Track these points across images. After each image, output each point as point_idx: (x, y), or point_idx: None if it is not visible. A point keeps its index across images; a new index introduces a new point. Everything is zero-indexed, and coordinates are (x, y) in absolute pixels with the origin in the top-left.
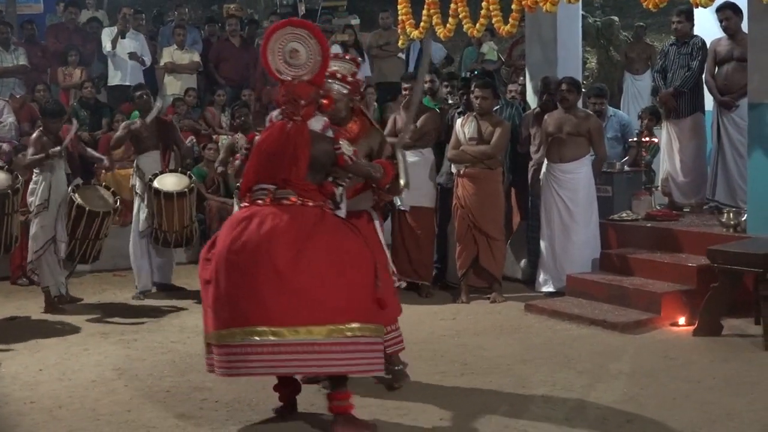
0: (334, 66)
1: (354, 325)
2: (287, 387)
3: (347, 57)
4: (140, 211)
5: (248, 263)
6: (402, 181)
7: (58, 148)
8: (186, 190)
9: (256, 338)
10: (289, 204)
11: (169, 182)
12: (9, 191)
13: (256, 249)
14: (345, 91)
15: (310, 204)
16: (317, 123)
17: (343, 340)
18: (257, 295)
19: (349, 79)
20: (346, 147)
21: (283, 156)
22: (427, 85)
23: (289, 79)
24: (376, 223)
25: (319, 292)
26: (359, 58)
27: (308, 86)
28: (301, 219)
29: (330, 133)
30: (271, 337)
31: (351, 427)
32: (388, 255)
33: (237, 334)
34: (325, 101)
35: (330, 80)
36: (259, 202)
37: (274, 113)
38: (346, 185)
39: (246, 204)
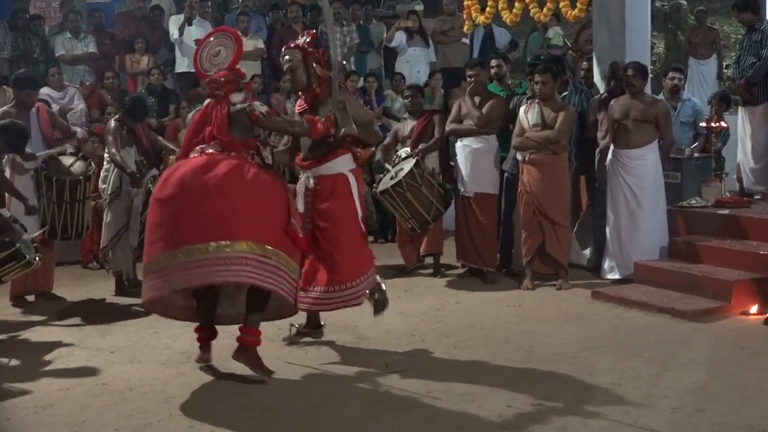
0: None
1: (269, 247)
2: (206, 330)
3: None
4: None
5: (168, 198)
6: (342, 131)
7: (135, 175)
8: None
9: (179, 257)
10: (212, 153)
11: None
12: (82, 178)
13: (174, 185)
14: (299, 57)
15: (233, 155)
16: (237, 96)
17: (250, 255)
18: (173, 224)
19: (301, 44)
20: (258, 106)
21: (210, 119)
22: (494, 71)
23: (212, 73)
24: (353, 185)
25: (229, 213)
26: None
27: (223, 71)
28: (218, 162)
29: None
30: (181, 257)
31: (249, 361)
32: (359, 213)
33: (159, 260)
34: (246, 82)
35: (285, 52)
36: (192, 155)
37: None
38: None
39: None
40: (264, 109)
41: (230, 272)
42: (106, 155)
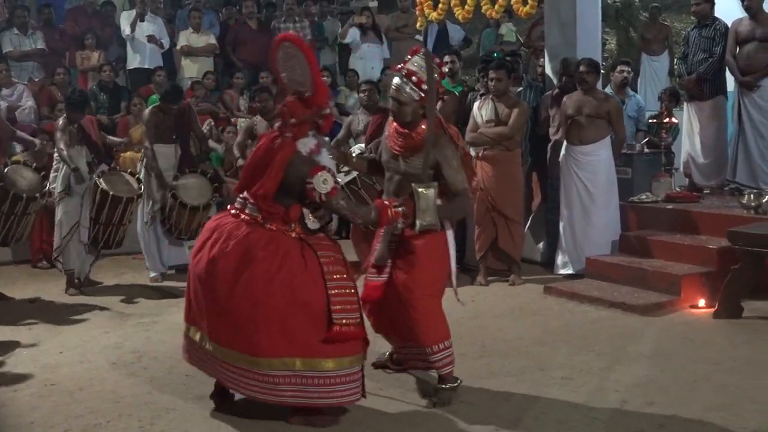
0: (412, 66)
1: (275, 360)
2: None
3: (435, 61)
4: (145, 201)
5: (199, 276)
6: (420, 222)
7: (84, 171)
8: (210, 201)
9: (197, 338)
10: (249, 221)
11: (192, 187)
12: (37, 195)
13: (205, 266)
14: (416, 98)
15: (268, 226)
16: (305, 146)
17: (260, 371)
18: (202, 306)
19: (424, 87)
20: (320, 183)
21: (261, 169)
22: (447, 67)
23: (290, 93)
24: (449, 238)
25: (243, 320)
26: (445, 69)
27: (301, 105)
28: (252, 241)
29: (320, 159)
30: (207, 346)
31: (306, 420)
32: (453, 268)
33: (191, 329)
34: (323, 123)
35: (405, 81)
36: (232, 210)
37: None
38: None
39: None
40: (327, 188)
41: (257, 387)
42: (55, 153)
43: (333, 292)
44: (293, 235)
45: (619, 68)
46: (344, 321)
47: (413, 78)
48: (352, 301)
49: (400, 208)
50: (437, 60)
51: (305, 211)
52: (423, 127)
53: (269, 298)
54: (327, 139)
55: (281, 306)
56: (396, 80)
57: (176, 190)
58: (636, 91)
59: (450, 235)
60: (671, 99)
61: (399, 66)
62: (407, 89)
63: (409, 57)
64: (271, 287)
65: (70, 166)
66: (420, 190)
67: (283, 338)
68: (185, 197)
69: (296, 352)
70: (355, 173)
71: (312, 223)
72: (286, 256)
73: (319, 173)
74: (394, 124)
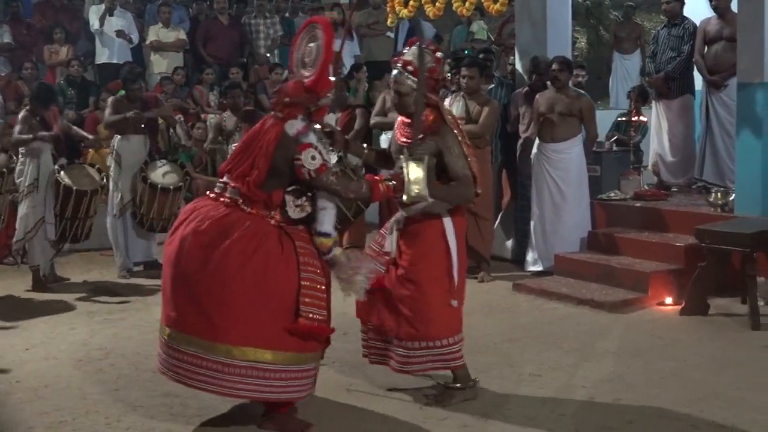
0: (408, 57)
1: (234, 349)
2: None
3: (431, 47)
4: (114, 195)
5: (169, 257)
6: (407, 194)
7: (48, 133)
8: (181, 184)
9: (164, 336)
10: (229, 204)
11: (161, 173)
12: (4, 170)
13: (176, 245)
14: (415, 86)
15: (248, 210)
16: (292, 127)
17: (215, 358)
18: (167, 294)
19: (423, 69)
20: (308, 160)
21: (249, 152)
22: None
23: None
24: (447, 227)
25: (209, 301)
26: (439, 54)
27: (300, 86)
28: (229, 221)
29: (305, 139)
30: (165, 337)
31: (276, 425)
32: (454, 261)
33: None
34: (316, 111)
35: (402, 71)
36: (211, 194)
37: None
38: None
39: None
40: (316, 164)
41: (207, 378)
42: (21, 148)
43: (305, 283)
44: (272, 222)
45: (575, 72)
46: (311, 315)
47: (409, 68)
48: (322, 297)
49: (391, 183)
50: (432, 47)
51: (287, 198)
52: (427, 116)
53: (240, 279)
54: (319, 126)
55: (251, 290)
56: (394, 72)
57: (146, 172)
58: (608, 89)
59: (448, 223)
60: (639, 98)
61: (395, 58)
62: (405, 80)
63: (407, 49)
64: (243, 269)
65: (26, 139)
66: (409, 162)
67: (247, 325)
68: (155, 178)
69: (258, 342)
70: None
71: (293, 211)
72: (264, 239)
73: (307, 149)
74: (401, 116)
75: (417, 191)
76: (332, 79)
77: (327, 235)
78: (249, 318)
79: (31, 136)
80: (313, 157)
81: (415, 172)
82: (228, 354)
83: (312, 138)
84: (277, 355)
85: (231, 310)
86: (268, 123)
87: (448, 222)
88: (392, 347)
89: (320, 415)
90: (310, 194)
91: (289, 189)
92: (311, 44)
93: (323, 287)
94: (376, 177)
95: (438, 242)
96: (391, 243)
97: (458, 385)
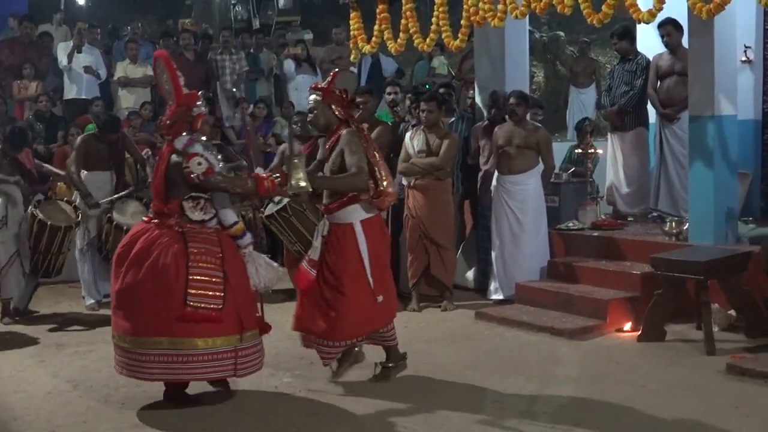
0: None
1: (146, 339)
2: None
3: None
4: (83, 229)
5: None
6: (289, 186)
7: (13, 178)
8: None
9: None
10: (149, 221)
11: (130, 212)
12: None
13: (113, 266)
14: (318, 98)
15: (157, 222)
16: (179, 142)
17: (136, 350)
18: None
19: (321, 85)
20: (195, 166)
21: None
22: (390, 97)
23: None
24: (358, 231)
25: (126, 305)
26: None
27: (171, 108)
28: (136, 235)
29: (192, 149)
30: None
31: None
32: (367, 267)
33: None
34: (194, 120)
35: (311, 92)
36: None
37: None
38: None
39: None
40: (202, 168)
41: (133, 367)
42: None
43: (194, 277)
44: (176, 228)
45: (533, 111)
46: (200, 305)
47: (318, 92)
48: (216, 289)
49: (276, 178)
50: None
51: (186, 205)
52: (340, 131)
53: (141, 282)
54: (205, 140)
55: (150, 289)
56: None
57: (111, 213)
58: (565, 121)
59: (359, 228)
60: (582, 131)
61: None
62: (312, 96)
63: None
64: (140, 272)
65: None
66: (290, 160)
67: (152, 318)
68: (120, 220)
69: (163, 331)
70: (285, 201)
71: (193, 215)
72: (159, 245)
73: (194, 158)
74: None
75: (296, 183)
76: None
77: (234, 224)
78: (151, 312)
79: (13, 179)
80: (199, 163)
81: (295, 167)
82: (142, 345)
83: (198, 148)
84: (180, 341)
85: (137, 309)
86: (164, 148)
87: (358, 227)
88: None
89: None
90: (207, 197)
91: (187, 197)
92: (164, 75)
93: (217, 280)
94: (262, 174)
95: (352, 247)
96: (315, 251)
97: (391, 364)
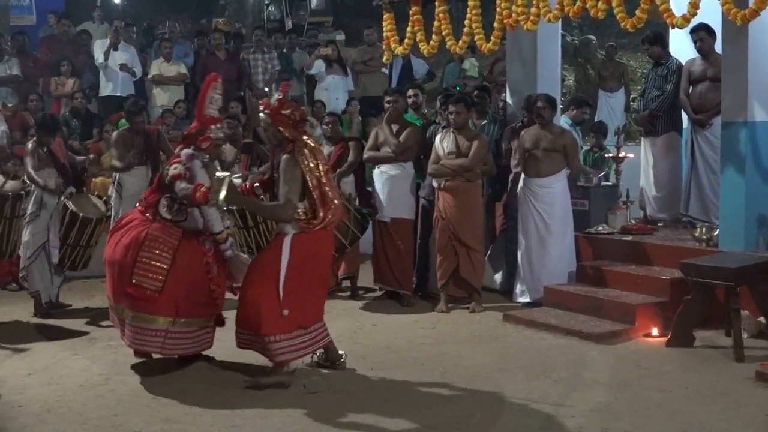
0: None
1: (120, 307)
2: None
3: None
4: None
5: None
6: (211, 199)
7: (52, 188)
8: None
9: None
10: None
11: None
12: (23, 193)
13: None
14: (266, 118)
15: (138, 210)
16: (184, 152)
17: (125, 318)
18: None
19: (271, 104)
20: (170, 168)
21: None
22: (410, 100)
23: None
24: (285, 243)
25: (111, 277)
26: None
27: (191, 126)
28: (122, 221)
29: (189, 162)
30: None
31: None
32: (281, 278)
33: None
34: (200, 140)
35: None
36: None
37: None
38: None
39: None
40: (171, 173)
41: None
42: (24, 176)
43: (141, 259)
44: (149, 217)
45: (582, 109)
46: (143, 284)
47: (266, 110)
48: (159, 273)
49: (205, 189)
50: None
51: (162, 201)
52: (287, 151)
53: (115, 258)
54: (208, 159)
55: (120, 264)
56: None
57: None
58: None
59: (287, 240)
60: (599, 133)
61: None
62: (261, 115)
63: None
64: (115, 249)
65: (40, 184)
66: (216, 174)
67: (118, 290)
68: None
69: (123, 301)
70: None
71: (163, 212)
72: (129, 227)
73: (175, 163)
74: None
75: (214, 199)
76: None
77: (219, 232)
78: (117, 284)
79: (41, 181)
80: (175, 167)
81: (219, 184)
82: (121, 312)
83: (195, 163)
84: (129, 312)
85: (112, 280)
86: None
87: (287, 240)
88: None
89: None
90: (181, 202)
91: (166, 195)
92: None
93: (162, 266)
94: (200, 185)
95: (275, 254)
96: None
97: (263, 380)
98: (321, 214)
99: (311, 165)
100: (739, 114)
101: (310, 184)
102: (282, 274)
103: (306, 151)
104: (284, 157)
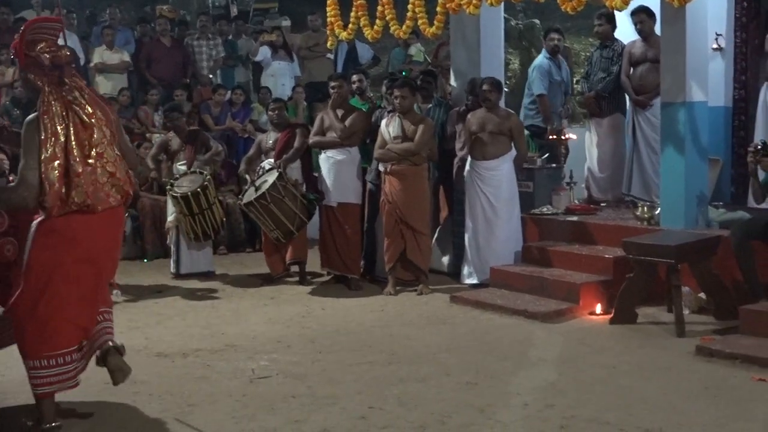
0: None
1: None
2: None
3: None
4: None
5: None
6: None
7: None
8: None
9: None
10: None
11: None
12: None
13: None
14: (18, 66)
15: None
16: None
17: None
18: None
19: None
20: None
21: None
22: (355, 85)
23: None
24: (30, 235)
25: None
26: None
27: None
28: None
29: None
30: None
31: None
32: (23, 266)
33: None
34: None
35: None
36: None
37: None
38: None
39: None
40: None
41: None
42: None
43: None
44: None
45: (550, 35)
46: None
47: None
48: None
49: None
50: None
51: None
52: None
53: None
54: None
55: None
56: None
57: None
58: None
59: (33, 226)
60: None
61: None
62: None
63: None
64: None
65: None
66: None
67: None
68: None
69: None
70: (264, 188)
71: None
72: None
73: None
74: None
75: None
76: None
77: None
78: None
79: None
80: None
81: None
82: None
83: None
84: None
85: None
86: None
87: (34, 226)
88: None
89: (263, 423)
90: None
91: None
92: None
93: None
94: None
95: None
96: None
97: (33, 423)
98: (47, 203)
99: (57, 128)
100: (678, 95)
101: (43, 155)
102: (24, 262)
103: (56, 107)
104: (27, 119)
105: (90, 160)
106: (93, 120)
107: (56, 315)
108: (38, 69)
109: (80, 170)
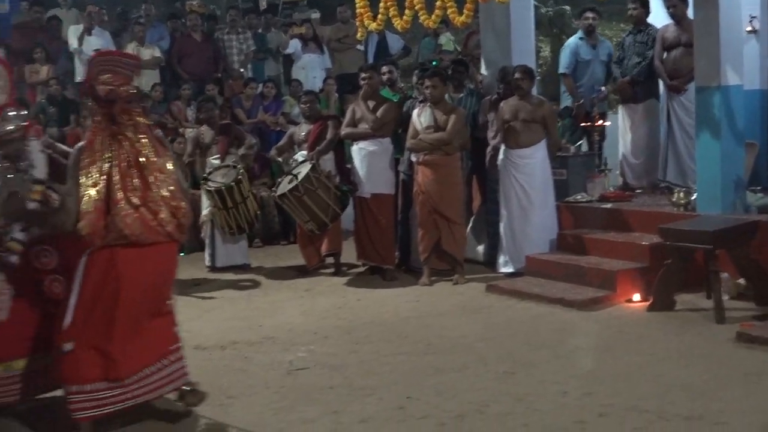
0: None
1: None
2: None
3: None
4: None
5: None
6: None
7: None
8: None
9: None
10: None
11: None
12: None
13: None
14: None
15: None
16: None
17: None
18: None
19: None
20: None
21: None
22: (385, 77)
23: None
24: (80, 266)
25: None
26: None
27: None
28: None
29: None
30: None
31: None
32: (72, 299)
33: None
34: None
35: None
36: None
37: None
38: None
39: None
40: None
41: None
42: None
43: None
44: None
45: (585, 14)
46: None
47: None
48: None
49: None
50: None
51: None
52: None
53: None
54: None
55: None
56: None
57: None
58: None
59: (84, 259)
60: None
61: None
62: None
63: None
64: None
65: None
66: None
67: None
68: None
69: None
70: (297, 180)
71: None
72: None
73: None
74: None
75: None
76: None
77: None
78: None
79: None
80: None
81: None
82: None
83: None
84: None
85: None
86: None
87: (84, 258)
88: None
89: (302, 415)
90: None
91: None
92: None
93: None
94: None
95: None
96: None
97: None
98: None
99: (100, 158)
100: (713, 79)
101: (83, 181)
102: (74, 295)
103: (102, 138)
104: (76, 145)
105: (131, 196)
106: (142, 160)
107: (86, 344)
108: (94, 98)
109: (122, 203)
